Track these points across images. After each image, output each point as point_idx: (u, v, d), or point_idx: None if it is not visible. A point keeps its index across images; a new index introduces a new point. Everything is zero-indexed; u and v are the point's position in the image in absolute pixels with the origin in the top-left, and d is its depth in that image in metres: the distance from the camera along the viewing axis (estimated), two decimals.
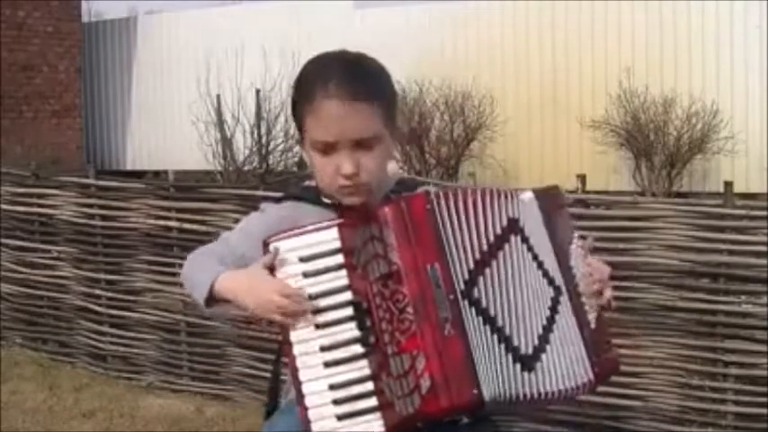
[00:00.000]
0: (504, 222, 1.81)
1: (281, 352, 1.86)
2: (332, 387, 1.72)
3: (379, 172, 1.88)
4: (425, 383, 1.68)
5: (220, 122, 10.51)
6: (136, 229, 4.57)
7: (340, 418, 1.72)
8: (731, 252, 3.32)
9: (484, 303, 1.75)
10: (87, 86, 14.80)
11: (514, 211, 1.83)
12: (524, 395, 1.75)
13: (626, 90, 10.55)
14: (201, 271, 1.85)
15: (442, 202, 1.76)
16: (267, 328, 1.80)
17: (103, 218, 4.68)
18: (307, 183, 2.00)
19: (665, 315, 3.42)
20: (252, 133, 10.45)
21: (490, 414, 1.86)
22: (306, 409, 1.73)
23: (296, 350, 1.74)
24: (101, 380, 4.70)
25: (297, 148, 9.40)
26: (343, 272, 1.74)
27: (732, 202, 3.35)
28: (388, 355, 1.71)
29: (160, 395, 4.48)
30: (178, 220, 4.42)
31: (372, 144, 1.85)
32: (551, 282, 1.84)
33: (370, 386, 1.72)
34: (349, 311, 1.74)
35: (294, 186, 2.29)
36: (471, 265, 1.75)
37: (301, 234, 1.76)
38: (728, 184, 3.43)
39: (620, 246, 3.42)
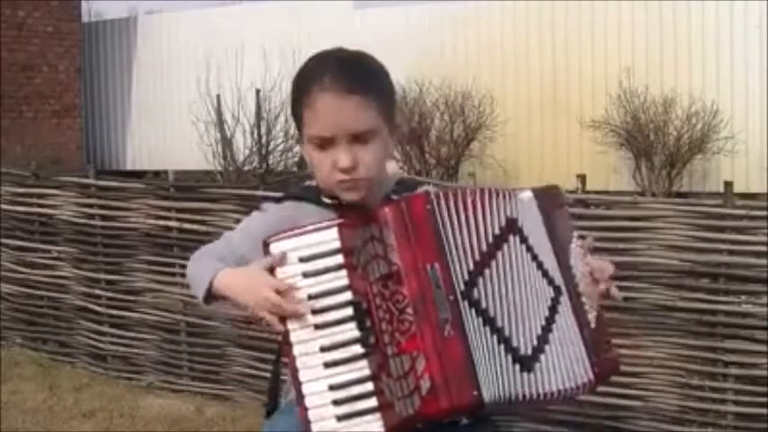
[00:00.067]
0: (503, 222, 1.81)
1: (281, 352, 1.86)
2: (332, 388, 1.72)
3: (376, 167, 1.88)
4: (425, 384, 1.68)
5: (220, 122, 10.51)
6: (136, 229, 4.57)
7: (340, 418, 1.72)
8: (731, 252, 3.32)
9: (483, 304, 1.74)
10: (87, 86, 14.80)
11: (513, 211, 1.83)
12: (524, 396, 1.75)
13: (626, 90, 10.55)
14: (202, 269, 1.87)
15: (442, 202, 1.76)
16: (267, 327, 1.80)
17: (103, 218, 4.68)
18: (307, 183, 2.00)
19: (665, 315, 3.42)
20: (252, 133, 10.45)
21: (490, 414, 1.86)
22: (306, 409, 1.73)
23: (296, 350, 1.74)
24: (101, 380, 4.70)
25: (297, 148, 9.41)
26: (343, 272, 1.74)
27: (732, 202, 3.35)
28: (388, 355, 1.71)
29: (160, 395, 4.48)
30: (178, 220, 4.42)
31: (369, 138, 1.85)
32: (551, 281, 1.84)
33: (369, 387, 1.72)
34: (349, 312, 1.74)
35: (295, 186, 2.29)
36: (471, 266, 1.75)
37: (301, 234, 1.76)
38: (728, 184, 3.43)
39: (620, 246, 3.42)
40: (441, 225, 1.74)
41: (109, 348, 4.76)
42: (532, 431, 3.64)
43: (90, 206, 4.73)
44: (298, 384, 1.74)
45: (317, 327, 1.74)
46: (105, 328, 4.76)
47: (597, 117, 10.83)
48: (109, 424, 4.15)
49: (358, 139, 1.84)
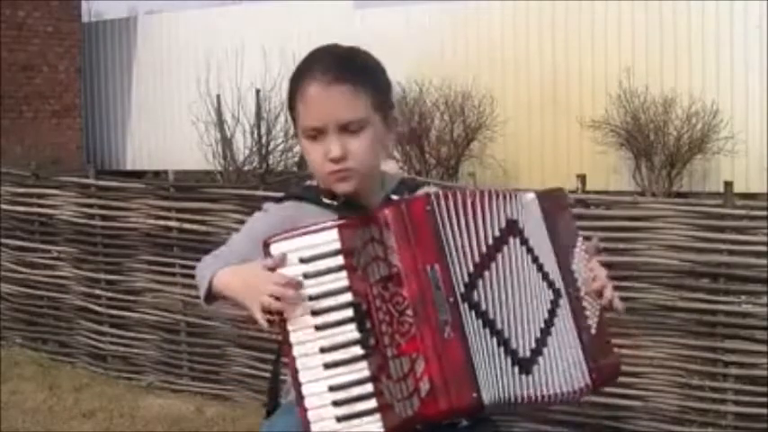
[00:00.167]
0: (504, 224, 1.81)
1: (281, 352, 1.87)
2: (331, 389, 1.72)
3: (368, 158, 1.88)
4: (425, 386, 1.68)
5: (220, 122, 10.51)
6: (136, 229, 4.57)
7: (339, 419, 1.72)
8: (731, 252, 3.32)
9: (483, 306, 1.74)
10: (87, 86, 14.80)
11: (514, 213, 1.83)
12: (523, 398, 1.75)
13: (626, 90, 10.55)
14: (205, 270, 1.89)
15: (442, 203, 1.76)
16: (267, 327, 1.79)
17: (103, 218, 4.68)
18: (308, 183, 2.01)
19: (665, 315, 3.42)
20: (252, 133, 10.45)
21: (489, 415, 1.86)
22: (305, 410, 1.73)
23: (296, 351, 1.74)
24: (101, 380, 4.70)
25: (297, 148, 9.41)
26: (344, 273, 1.74)
27: (732, 202, 3.35)
28: (388, 357, 1.71)
29: (160, 395, 4.48)
30: (178, 220, 4.42)
31: (359, 129, 1.87)
32: (551, 284, 1.84)
33: (369, 388, 1.72)
34: (349, 313, 1.74)
35: (295, 186, 2.30)
36: (471, 268, 1.75)
37: (302, 235, 1.76)
38: (728, 184, 3.43)
39: (620, 246, 3.42)
40: (441, 226, 1.74)
41: (109, 348, 4.76)
42: (532, 431, 3.64)
43: (90, 206, 4.73)
44: (297, 385, 1.74)
45: (318, 328, 1.74)
46: (105, 328, 4.76)
47: (597, 117, 10.83)
48: (109, 424, 4.15)
49: (348, 129, 1.86)
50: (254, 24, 12.97)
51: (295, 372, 1.74)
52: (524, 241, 1.82)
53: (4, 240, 5.11)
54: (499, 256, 1.78)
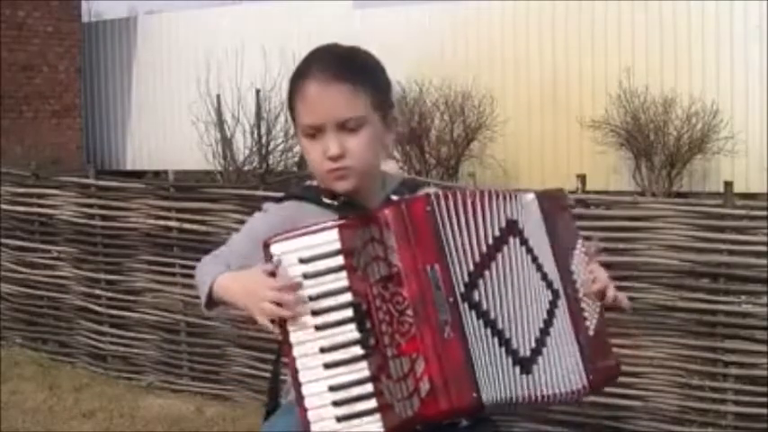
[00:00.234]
0: (503, 224, 1.81)
1: (281, 352, 1.87)
2: (332, 389, 1.72)
3: (366, 156, 1.89)
4: (425, 386, 1.68)
5: (220, 122, 10.51)
6: (136, 229, 4.57)
7: (339, 419, 1.72)
8: (731, 252, 3.32)
9: (484, 306, 1.74)
10: (87, 86, 14.80)
11: (514, 213, 1.83)
12: (522, 397, 1.75)
13: (626, 90, 10.55)
14: (206, 274, 1.89)
15: (442, 203, 1.76)
16: (273, 329, 1.79)
17: (103, 218, 4.68)
18: (308, 182, 2.01)
19: (665, 315, 3.42)
20: (252, 133, 10.45)
21: (489, 415, 1.86)
22: (305, 410, 1.73)
23: (296, 351, 1.74)
24: (101, 380, 4.70)
25: (297, 148, 9.41)
26: (344, 273, 1.74)
27: (732, 202, 3.35)
28: (388, 357, 1.71)
29: (160, 395, 4.47)
30: (178, 220, 4.42)
31: (357, 127, 1.87)
32: (549, 284, 1.84)
33: (369, 388, 1.72)
34: (349, 313, 1.74)
35: (295, 186, 2.30)
36: (471, 268, 1.75)
37: (302, 235, 1.76)
38: (728, 184, 3.43)
39: (620, 246, 3.42)
40: (441, 226, 1.74)
41: (109, 348, 4.76)
42: (532, 431, 3.64)
43: (90, 206, 4.73)
44: (298, 385, 1.74)
45: (318, 328, 1.74)
46: (105, 328, 4.76)
47: (597, 117, 10.83)
48: (109, 424, 4.15)
49: (346, 127, 1.86)
50: (254, 24, 12.97)
51: (295, 372, 1.74)
52: (524, 241, 1.82)
53: (4, 240, 5.11)
54: (499, 256, 1.78)
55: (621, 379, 3.31)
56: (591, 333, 1.86)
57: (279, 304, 1.73)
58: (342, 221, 1.77)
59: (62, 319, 4.97)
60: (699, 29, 10.75)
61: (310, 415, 1.73)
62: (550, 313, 1.82)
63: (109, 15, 17.13)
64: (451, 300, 1.71)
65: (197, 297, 1.94)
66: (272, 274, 1.75)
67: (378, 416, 1.71)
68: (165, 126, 14.08)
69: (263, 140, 10.43)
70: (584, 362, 1.82)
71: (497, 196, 1.82)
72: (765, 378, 3.31)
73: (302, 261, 1.74)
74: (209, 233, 4.26)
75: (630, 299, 3.33)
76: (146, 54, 14.44)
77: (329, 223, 1.77)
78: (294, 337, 1.74)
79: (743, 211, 3.34)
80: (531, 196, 1.87)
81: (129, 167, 14.37)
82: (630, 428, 3.53)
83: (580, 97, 11.28)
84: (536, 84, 11.57)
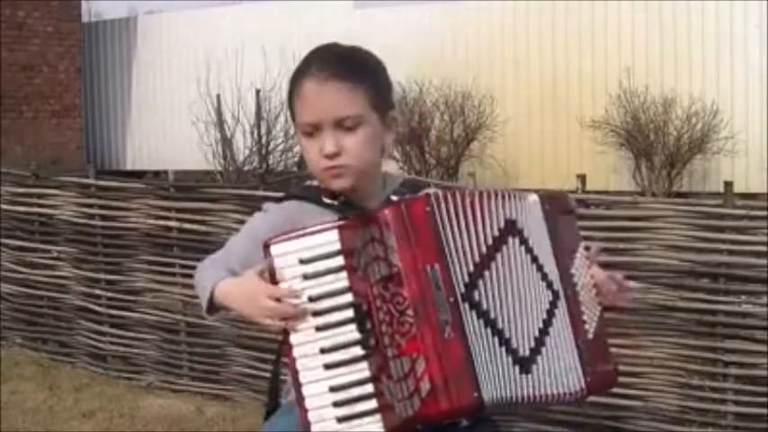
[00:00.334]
0: (502, 224, 1.80)
1: (282, 352, 1.87)
2: (332, 389, 1.72)
3: (363, 155, 1.89)
4: (425, 386, 1.68)
5: (220, 122, 10.51)
6: (136, 229, 4.57)
7: (340, 420, 1.72)
8: (731, 252, 3.32)
9: (484, 305, 1.74)
10: (87, 86, 14.80)
11: (514, 213, 1.82)
12: (522, 397, 1.75)
13: (626, 90, 10.55)
14: (206, 279, 1.89)
15: (442, 203, 1.76)
16: (267, 328, 1.80)
17: (103, 218, 4.68)
18: (308, 182, 2.01)
19: (665, 315, 3.42)
20: (252, 133, 10.45)
21: (490, 415, 1.86)
22: (306, 410, 1.73)
23: (296, 352, 1.74)
24: (101, 380, 4.70)
25: (297, 148, 9.41)
26: (344, 274, 1.74)
27: (732, 202, 3.35)
28: (389, 357, 1.71)
29: (160, 395, 4.48)
30: (178, 220, 4.42)
31: (354, 126, 1.87)
32: (549, 285, 1.84)
33: (369, 388, 1.72)
34: (349, 313, 1.73)
35: (295, 186, 2.30)
36: (471, 267, 1.75)
37: (302, 236, 1.76)
38: (728, 184, 3.43)
39: (620, 246, 3.42)
40: (440, 227, 1.74)
41: (109, 348, 4.76)
42: (532, 431, 3.64)
43: (90, 206, 4.73)
44: (298, 386, 1.74)
45: (318, 328, 1.74)
46: (105, 328, 4.76)
47: (597, 117, 10.83)
48: (109, 424, 4.15)
49: (343, 125, 1.86)
50: (254, 24, 12.98)
51: (295, 372, 1.74)
52: (524, 241, 1.82)
53: (4, 240, 5.11)
54: (499, 256, 1.78)
55: (621, 379, 3.31)
56: (590, 336, 1.86)
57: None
58: (342, 222, 1.77)
59: (62, 319, 4.97)
60: (699, 29, 10.75)
61: (311, 415, 1.73)
62: (550, 314, 1.82)
63: (109, 15, 17.14)
64: (452, 300, 1.71)
65: (197, 297, 1.94)
66: (271, 275, 1.75)
67: (378, 416, 1.71)
68: (165, 126, 14.08)
69: (263, 140, 10.43)
70: (582, 364, 1.82)
71: (497, 196, 1.82)
72: (765, 378, 3.31)
73: (302, 262, 1.74)
74: (209, 233, 4.26)
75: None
76: (146, 54, 14.44)
77: (329, 224, 1.77)
78: (294, 337, 1.74)
79: (743, 211, 3.34)
80: (534, 197, 1.87)
81: (129, 167, 14.37)
82: (630, 428, 3.53)
83: (580, 97, 11.28)
84: (536, 84, 11.57)
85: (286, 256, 1.75)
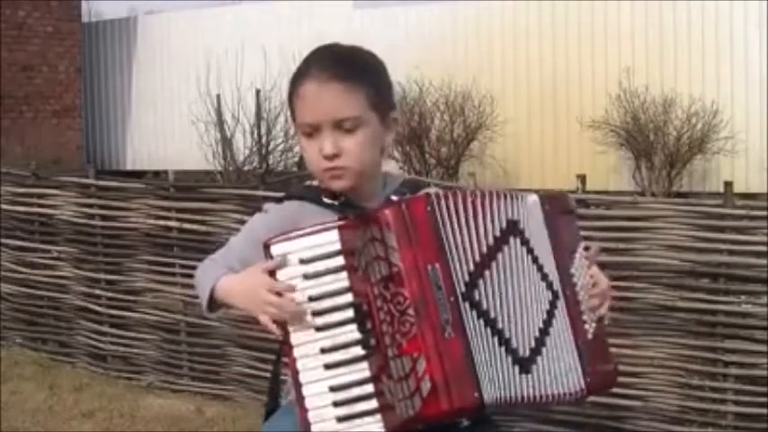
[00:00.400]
0: (504, 224, 1.80)
1: (282, 352, 1.87)
2: (332, 389, 1.72)
3: (363, 157, 1.89)
4: (426, 386, 1.67)
5: (220, 122, 10.51)
6: (136, 229, 4.57)
7: (340, 419, 1.72)
8: (731, 252, 3.32)
9: (484, 305, 1.74)
10: (87, 86, 14.80)
11: (515, 213, 1.82)
12: (522, 397, 1.75)
13: (626, 90, 10.55)
14: (206, 277, 1.90)
15: (443, 203, 1.76)
16: (276, 330, 1.80)
17: (103, 218, 4.68)
18: (308, 182, 2.01)
19: (665, 315, 3.42)
20: (252, 133, 10.45)
21: (490, 415, 1.86)
22: (306, 410, 1.73)
23: (296, 352, 1.74)
24: (101, 380, 4.69)
25: (297, 148, 9.41)
26: (344, 274, 1.74)
27: (732, 202, 3.35)
28: (389, 357, 1.71)
29: (160, 395, 4.47)
30: (178, 220, 4.42)
31: (353, 127, 1.87)
32: (549, 285, 1.84)
33: (370, 388, 1.72)
34: (350, 314, 1.74)
35: (296, 186, 2.30)
36: (471, 267, 1.75)
37: (302, 236, 1.76)
38: (728, 184, 3.43)
39: (620, 246, 3.42)
40: (441, 226, 1.74)
41: (109, 348, 4.76)
42: (532, 431, 3.64)
43: (90, 206, 4.73)
44: (298, 386, 1.74)
45: (318, 329, 1.74)
46: (105, 328, 4.76)
47: (597, 117, 10.82)
48: (109, 424, 4.15)
49: (342, 127, 1.87)
50: (254, 24, 12.97)
51: (296, 372, 1.74)
52: (525, 241, 1.82)
53: (4, 240, 5.11)
54: (499, 256, 1.78)
55: (621, 379, 3.32)
56: (590, 336, 1.86)
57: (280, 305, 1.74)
58: (342, 222, 1.77)
59: (62, 319, 4.97)
60: (699, 29, 10.75)
61: (311, 415, 1.73)
62: (550, 314, 1.82)
63: (109, 15, 17.14)
64: (452, 299, 1.71)
65: (197, 297, 1.94)
66: (272, 273, 1.76)
67: (378, 416, 1.71)
68: (164, 126, 14.08)
69: (263, 140, 10.43)
70: (582, 364, 1.82)
71: (498, 196, 1.82)
72: (765, 378, 3.31)
73: (303, 262, 1.75)
74: (209, 233, 4.26)
75: (630, 299, 3.37)
76: (146, 54, 14.44)
77: (329, 224, 1.77)
78: (295, 337, 1.75)
79: (743, 211, 3.34)
80: (534, 198, 1.87)
81: (129, 167, 14.37)
82: (630, 428, 3.52)
83: (580, 97, 11.28)
84: (536, 84, 11.57)
85: (286, 256, 1.75)
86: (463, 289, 1.73)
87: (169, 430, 4.07)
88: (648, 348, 3.46)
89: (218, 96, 10.54)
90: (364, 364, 1.72)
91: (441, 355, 1.68)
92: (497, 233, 1.79)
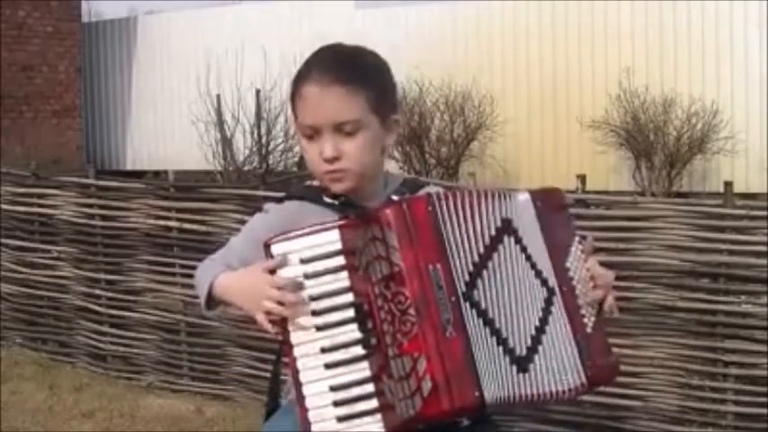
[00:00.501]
0: (499, 223, 1.80)
1: (282, 352, 1.87)
2: (332, 389, 1.72)
3: (363, 159, 1.89)
4: (427, 385, 1.67)
5: (220, 122, 10.51)
6: (136, 229, 4.57)
7: (340, 419, 1.72)
8: (731, 252, 3.32)
9: (483, 305, 1.74)
10: (87, 86, 14.80)
11: (508, 212, 1.82)
12: (521, 396, 1.75)
13: (626, 90, 10.55)
14: (205, 275, 1.90)
15: (443, 203, 1.76)
16: (272, 330, 1.80)
17: (103, 218, 4.68)
18: (308, 182, 2.01)
19: (665, 315, 3.42)
20: (252, 133, 10.46)
21: (490, 415, 1.86)
22: (306, 410, 1.73)
23: (296, 351, 1.74)
24: (101, 380, 4.70)
25: (297, 148, 9.42)
26: (345, 273, 1.74)
27: (732, 202, 3.35)
28: (390, 356, 1.71)
29: (160, 395, 4.48)
30: (178, 220, 4.42)
31: (354, 130, 1.87)
32: (544, 282, 1.83)
33: (370, 388, 1.72)
34: (350, 313, 1.74)
35: (296, 186, 2.30)
36: (471, 267, 1.75)
37: (302, 235, 1.76)
38: (728, 184, 3.43)
39: (621, 246, 3.42)
40: (442, 226, 1.74)
41: (109, 348, 4.76)
42: (532, 431, 3.64)
43: (90, 206, 4.73)
44: (298, 385, 1.74)
45: (318, 328, 1.74)
46: (105, 328, 4.76)
47: (597, 117, 10.83)
48: (109, 424, 4.15)
49: (342, 130, 1.87)
50: (254, 24, 12.97)
51: (296, 372, 1.74)
52: (518, 240, 1.82)
53: (4, 240, 5.11)
54: (495, 255, 1.78)
55: (621, 379, 3.33)
56: (589, 330, 1.85)
57: (280, 303, 1.73)
58: (342, 221, 1.77)
59: (62, 319, 4.97)
60: (699, 29, 10.75)
61: (311, 415, 1.72)
62: (546, 311, 1.82)
63: (109, 15, 17.15)
64: (453, 299, 1.71)
65: (197, 297, 1.94)
66: (273, 273, 1.76)
67: (378, 416, 1.71)
68: (164, 126, 14.08)
69: (263, 140, 10.43)
70: (581, 359, 1.82)
71: (492, 195, 1.82)
72: (765, 378, 3.31)
73: (303, 261, 1.75)
74: (209, 233, 4.26)
75: (630, 299, 3.37)
76: (146, 54, 14.44)
77: (330, 223, 1.77)
78: (295, 337, 1.74)
79: (743, 211, 3.34)
80: (524, 196, 1.86)
81: (129, 167, 14.37)
82: (630, 428, 3.52)
83: (580, 97, 11.29)
84: (536, 84, 11.57)
85: (287, 255, 1.75)
86: (464, 288, 1.73)
87: (169, 430, 4.07)
88: (648, 348, 3.46)
89: (218, 96, 10.55)
90: (365, 364, 1.72)
91: (441, 355, 1.68)
92: (493, 232, 1.79)
